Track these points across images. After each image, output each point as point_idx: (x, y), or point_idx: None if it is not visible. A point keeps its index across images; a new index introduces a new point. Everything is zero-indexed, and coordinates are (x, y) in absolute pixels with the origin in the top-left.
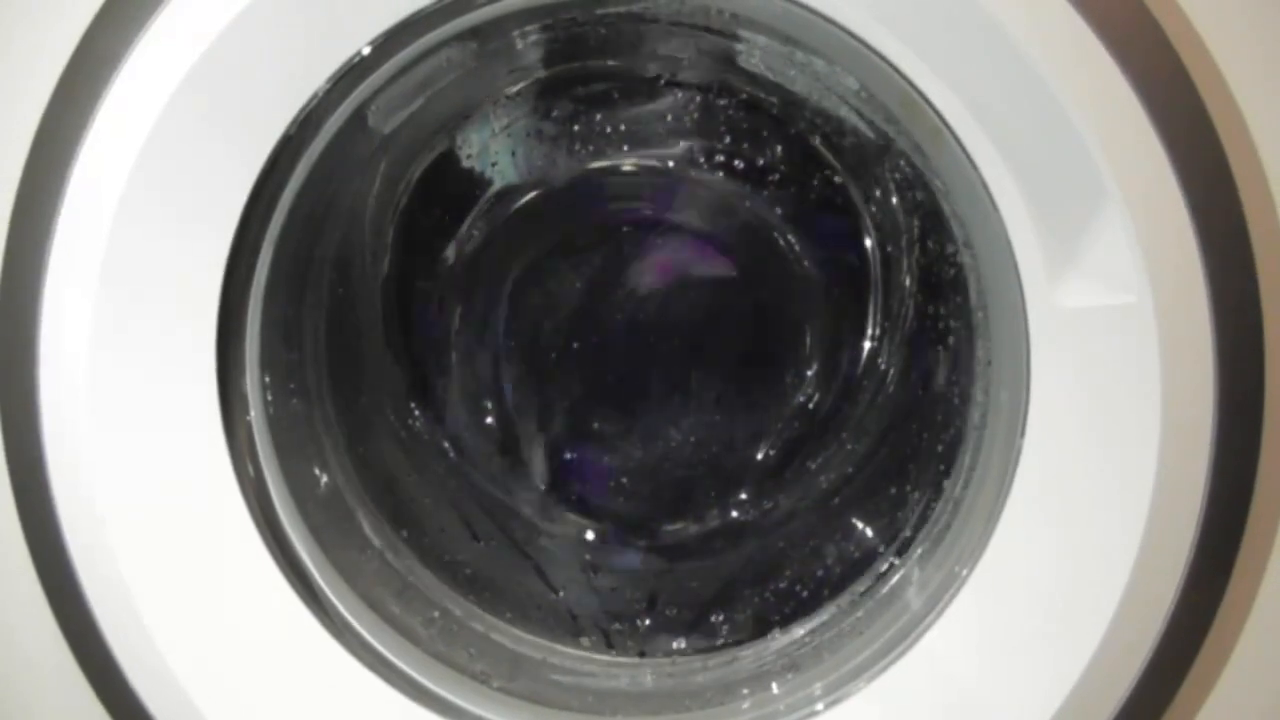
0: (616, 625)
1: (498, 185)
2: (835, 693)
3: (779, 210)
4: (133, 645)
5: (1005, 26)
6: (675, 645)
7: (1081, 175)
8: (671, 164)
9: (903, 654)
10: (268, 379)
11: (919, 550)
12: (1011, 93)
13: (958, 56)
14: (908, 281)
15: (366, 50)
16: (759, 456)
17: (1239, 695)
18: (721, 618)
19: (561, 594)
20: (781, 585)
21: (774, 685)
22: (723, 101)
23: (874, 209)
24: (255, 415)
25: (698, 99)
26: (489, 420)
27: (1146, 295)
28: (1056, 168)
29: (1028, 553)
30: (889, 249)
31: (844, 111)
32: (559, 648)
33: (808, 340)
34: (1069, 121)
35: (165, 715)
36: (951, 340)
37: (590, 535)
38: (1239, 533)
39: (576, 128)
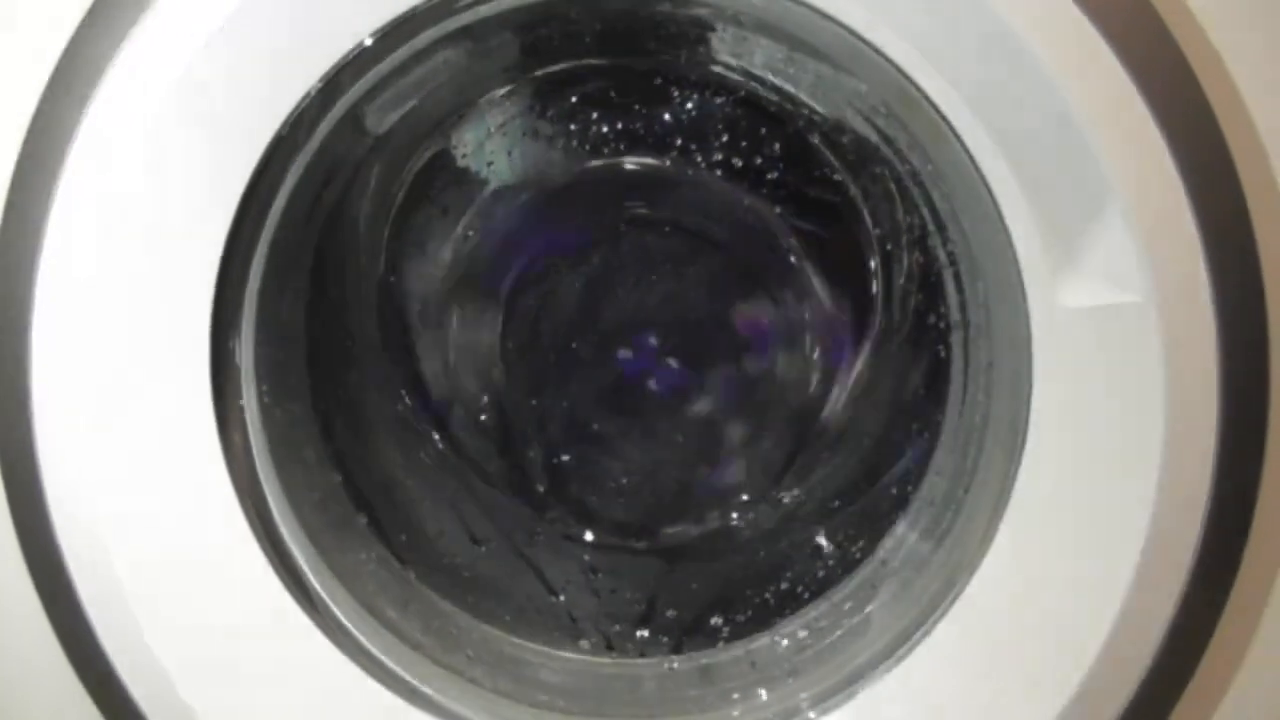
0: (616, 627)
1: (493, 185)
2: (832, 697)
3: (777, 209)
4: (128, 650)
5: (1008, 23)
6: (675, 646)
7: (1084, 174)
8: (669, 163)
9: (903, 658)
10: (262, 381)
11: (919, 552)
12: (1013, 90)
13: (959, 54)
14: (907, 281)
15: (368, 41)
16: (759, 457)
17: (1240, 707)
18: (721, 620)
19: (561, 596)
20: (782, 587)
21: (773, 688)
22: (720, 99)
23: (873, 208)
24: (250, 418)
25: (695, 97)
26: (486, 421)
27: (1150, 294)
28: (1059, 166)
29: (1029, 556)
30: (889, 248)
31: (844, 109)
32: (558, 650)
33: (806, 340)
34: (1071, 119)
35: (159, 716)
36: (952, 340)
37: (589, 537)
38: (1243, 537)
39: (573, 126)
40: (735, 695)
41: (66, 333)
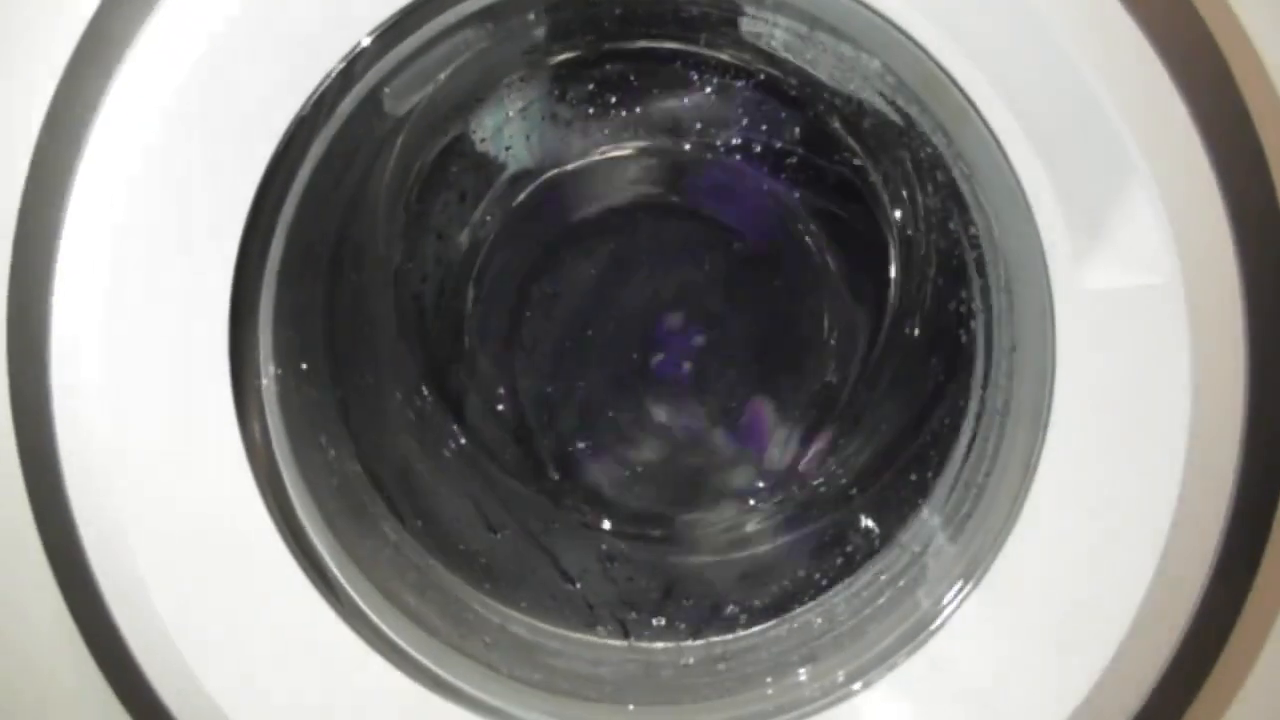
0: (633, 615)
1: (512, 169)
2: (855, 681)
3: (797, 193)
4: (147, 635)
5: (1032, 1)
6: (692, 634)
7: (1109, 152)
8: (688, 147)
9: (921, 644)
10: (280, 366)
11: (940, 537)
12: (1037, 69)
13: (983, 33)
14: (929, 265)
15: (390, 21)
16: (775, 443)
17: (1265, 692)
18: (738, 606)
19: (577, 584)
20: (800, 573)
21: (800, 673)
22: (740, 83)
23: (894, 191)
24: (269, 402)
25: (715, 81)
26: (502, 408)
27: (1176, 276)
28: (1083, 146)
29: (1051, 540)
30: (910, 232)
31: (865, 93)
32: (575, 637)
33: (826, 325)
34: (1096, 97)
35: (179, 704)
36: (974, 324)
37: (606, 524)
38: (1268, 523)
39: (591, 111)
40: (768, 679)
41: (85, 315)
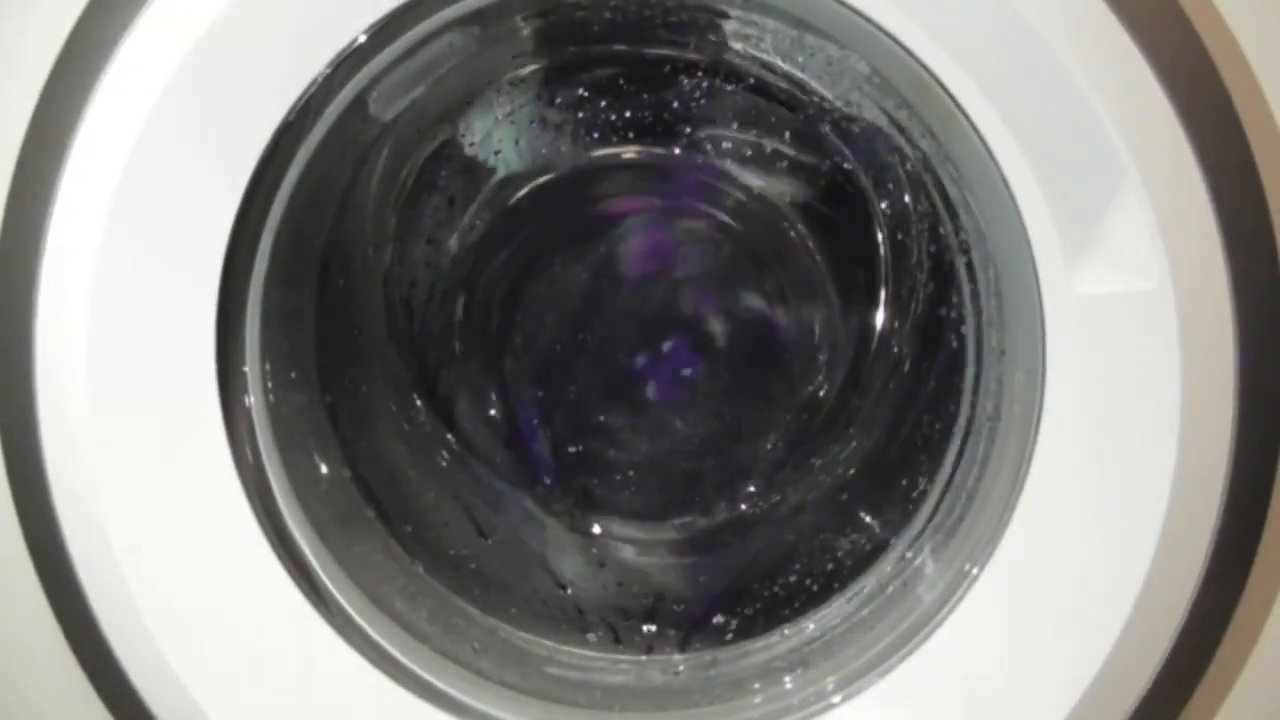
0: (624, 620)
1: (501, 173)
2: (847, 688)
3: (787, 198)
4: (132, 640)
5: (1020, 5)
6: (683, 640)
7: (1099, 158)
8: (678, 151)
9: (915, 649)
10: (268, 370)
11: (931, 543)
12: (1027, 74)
13: (971, 36)
14: (919, 269)
15: (377, 25)
16: (767, 448)
17: (1258, 693)
18: (730, 613)
19: (568, 589)
20: (791, 579)
21: (785, 680)
22: (730, 87)
23: (884, 196)
24: (256, 407)
25: (704, 85)
26: (493, 413)
27: (1166, 281)
28: (1073, 150)
29: (1043, 546)
30: (899, 236)
31: (854, 96)
32: (566, 644)
33: (816, 329)
34: (1086, 102)
35: (165, 711)
36: (964, 329)
37: (597, 529)
38: (1259, 527)
39: (581, 115)
40: (755, 685)
41: (70, 321)
